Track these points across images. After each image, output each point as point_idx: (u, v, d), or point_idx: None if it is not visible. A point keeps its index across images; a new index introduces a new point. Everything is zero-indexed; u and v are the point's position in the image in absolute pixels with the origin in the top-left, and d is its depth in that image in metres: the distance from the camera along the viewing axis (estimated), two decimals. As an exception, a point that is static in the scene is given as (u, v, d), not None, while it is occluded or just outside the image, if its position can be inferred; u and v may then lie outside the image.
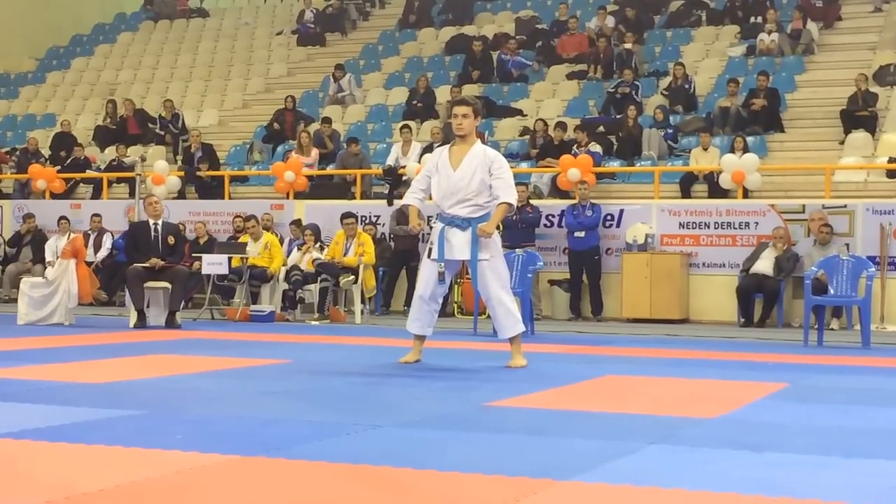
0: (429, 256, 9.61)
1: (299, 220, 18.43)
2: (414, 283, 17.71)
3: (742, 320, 16.37)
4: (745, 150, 17.85)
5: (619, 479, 4.86)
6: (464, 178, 9.42)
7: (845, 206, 16.66)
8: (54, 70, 29.71)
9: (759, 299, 16.42)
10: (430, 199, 9.77)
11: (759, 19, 23.30)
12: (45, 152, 23.36)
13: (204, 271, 16.48)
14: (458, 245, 9.47)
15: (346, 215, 16.86)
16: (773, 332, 15.35)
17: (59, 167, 22.37)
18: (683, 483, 4.83)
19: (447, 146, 9.78)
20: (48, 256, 18.97)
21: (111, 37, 31.09)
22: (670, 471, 5.13)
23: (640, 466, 5.21)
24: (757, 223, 16.90)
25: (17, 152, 23.33)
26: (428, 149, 19.45)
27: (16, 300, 15.75)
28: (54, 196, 21.65)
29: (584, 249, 17.12)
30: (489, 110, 22.00)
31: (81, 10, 32.51)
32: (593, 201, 17.34)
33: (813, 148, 19.29)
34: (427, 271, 9.68)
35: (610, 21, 24.09)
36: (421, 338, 9.87)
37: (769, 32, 22.41)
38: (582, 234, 17.10)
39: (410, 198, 9.74)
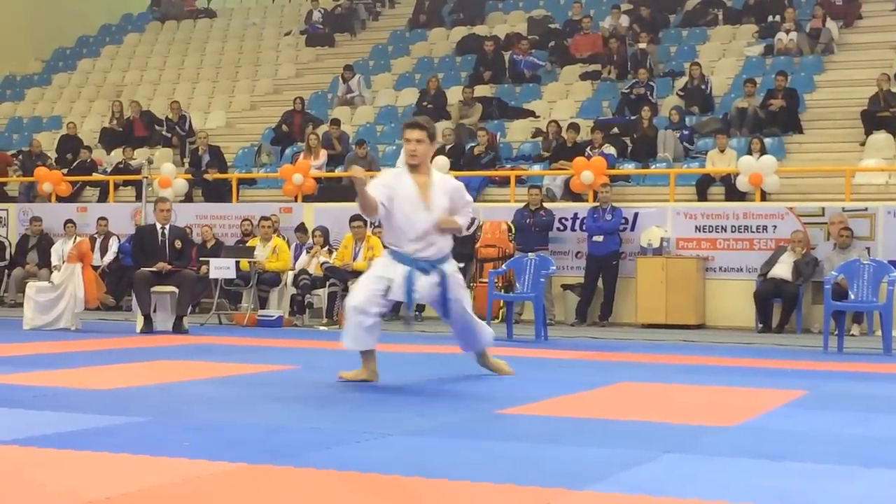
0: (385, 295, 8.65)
1: (303, 225, 18.20)
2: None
3: (760, 326, 16.14)
4: (763, 151, 17.67)
5: (634, 489, 4.82)
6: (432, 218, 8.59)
7: (866, 209, 16.45)
8: (60, 72, 29.58)
9: (777, 304, 16.19)
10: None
11: (778, 18, 23.13)
12: (52, 155, 23.24)
13: (211, 275, 16.51)
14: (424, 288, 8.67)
15: (355, 218, 16.66)
16: (792, 338, 15.15)
17: (65, 170, 22.24)
18: (700, 493, 4.77)
19: (403, 171, 8.73)
20: (54, 260, 18.84)
21: (117, 38, 31.01)
22: (687, 480, 5.09)
23: (656, 476, 5.17)
24: (775, 226, 16.69)
25: (21, 155, 23.18)
26: (439, 151, 19.26)
27: (21, 304, 15.67)
28: (60, 199, 21.53)
29: (604, 254, 16.93)
30: (501, 111, 21.89)
31: (88, 11, 32.37)
32: (613, 205, 17.16)
33: (833, 149, 19.14)
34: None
35: (624, 20, 23.99)
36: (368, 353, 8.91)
37: (787, 31, 22.23)
38: (601, 238, 16.89)
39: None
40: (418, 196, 8.53)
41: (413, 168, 8.60)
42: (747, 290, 16.45)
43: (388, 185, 8.53)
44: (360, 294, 8.64)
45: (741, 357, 12.01)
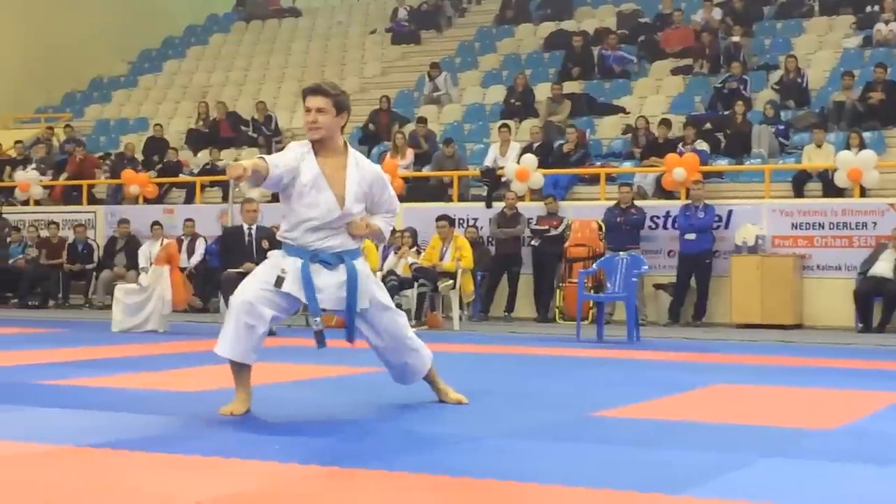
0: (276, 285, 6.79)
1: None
2: (516, 289, 17.32)
3: (860, 325, 15.81)
4: (862, 146, 17.24)
5: (733, 494, 4.75)
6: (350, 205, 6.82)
7: (969, 203, 16.16)
8: (146, 73, 29.79)
9: (878, 303, 15.87)
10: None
11: (876, 8, 22.64)
12: (138, 156, 23.32)
13: (298, 276, 16.19)
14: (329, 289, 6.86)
15: (440, 218, 16.68)
16: (894, 337, 14.77)
17: (152, 171, 22.31)
18: (801, 499, 4.72)
19: (307, 150, 6.84)
20: (141, 262, 18.83)
21: (203, 38, 31.20)
22: (787, 485, 5.01)
23: (755, 480, 5.10)
24: (875, 223, 16.37)
25: (112, 157, 23.31)
26: (527, 149, 19.02)
27: (110, 307, 15.75)
28: (147, 201, 21.58)
29: (697, 253, 16.68)
30: (590, 108, 21.61)
31: (173, 12, 32.66)
32: (706, 202, 16.89)
33: (935, 143, 18.62)
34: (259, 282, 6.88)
35: (717, 13, 23.60)
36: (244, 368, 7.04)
37: (887, 22, 21.73)
38: (693, 236, 16.64)
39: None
40: (323, 177, 6.73)
41: (318, 146, 6.79)
42: (846, 288, 16.15)
43: (292, 160, 6.71)
44: (250, 288, 6.82)
45: (840, 358, 11.79)
